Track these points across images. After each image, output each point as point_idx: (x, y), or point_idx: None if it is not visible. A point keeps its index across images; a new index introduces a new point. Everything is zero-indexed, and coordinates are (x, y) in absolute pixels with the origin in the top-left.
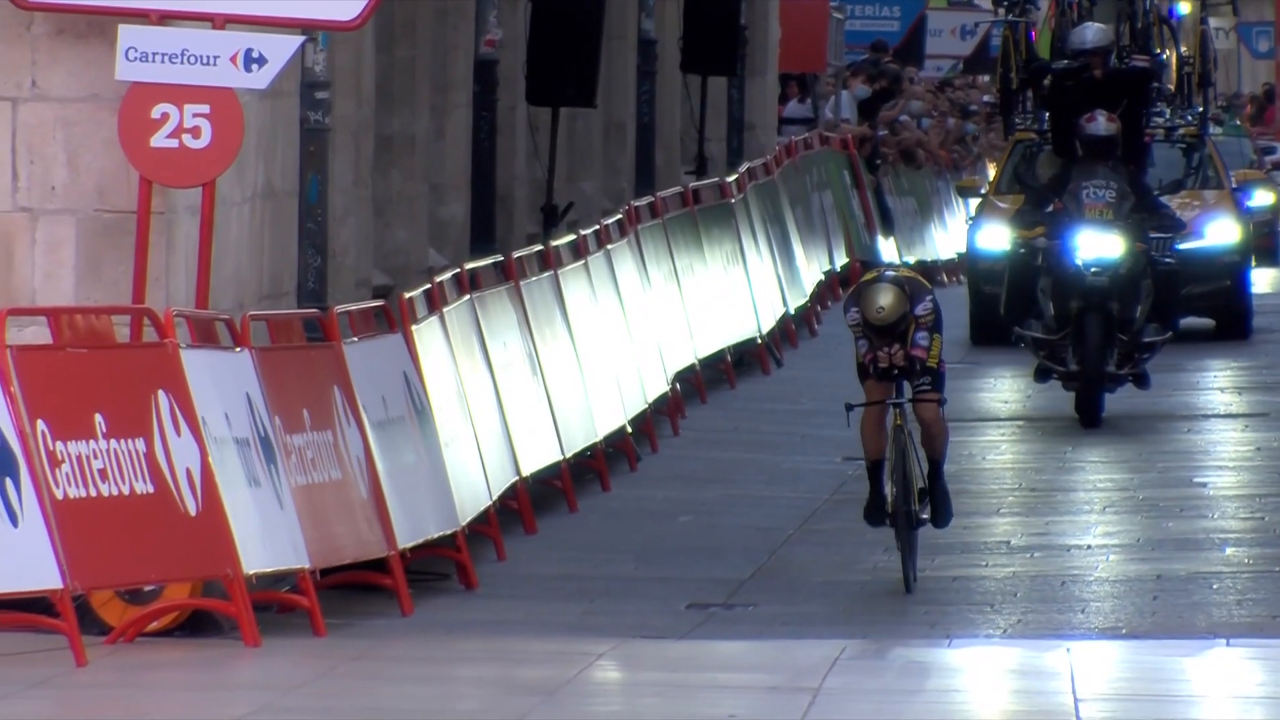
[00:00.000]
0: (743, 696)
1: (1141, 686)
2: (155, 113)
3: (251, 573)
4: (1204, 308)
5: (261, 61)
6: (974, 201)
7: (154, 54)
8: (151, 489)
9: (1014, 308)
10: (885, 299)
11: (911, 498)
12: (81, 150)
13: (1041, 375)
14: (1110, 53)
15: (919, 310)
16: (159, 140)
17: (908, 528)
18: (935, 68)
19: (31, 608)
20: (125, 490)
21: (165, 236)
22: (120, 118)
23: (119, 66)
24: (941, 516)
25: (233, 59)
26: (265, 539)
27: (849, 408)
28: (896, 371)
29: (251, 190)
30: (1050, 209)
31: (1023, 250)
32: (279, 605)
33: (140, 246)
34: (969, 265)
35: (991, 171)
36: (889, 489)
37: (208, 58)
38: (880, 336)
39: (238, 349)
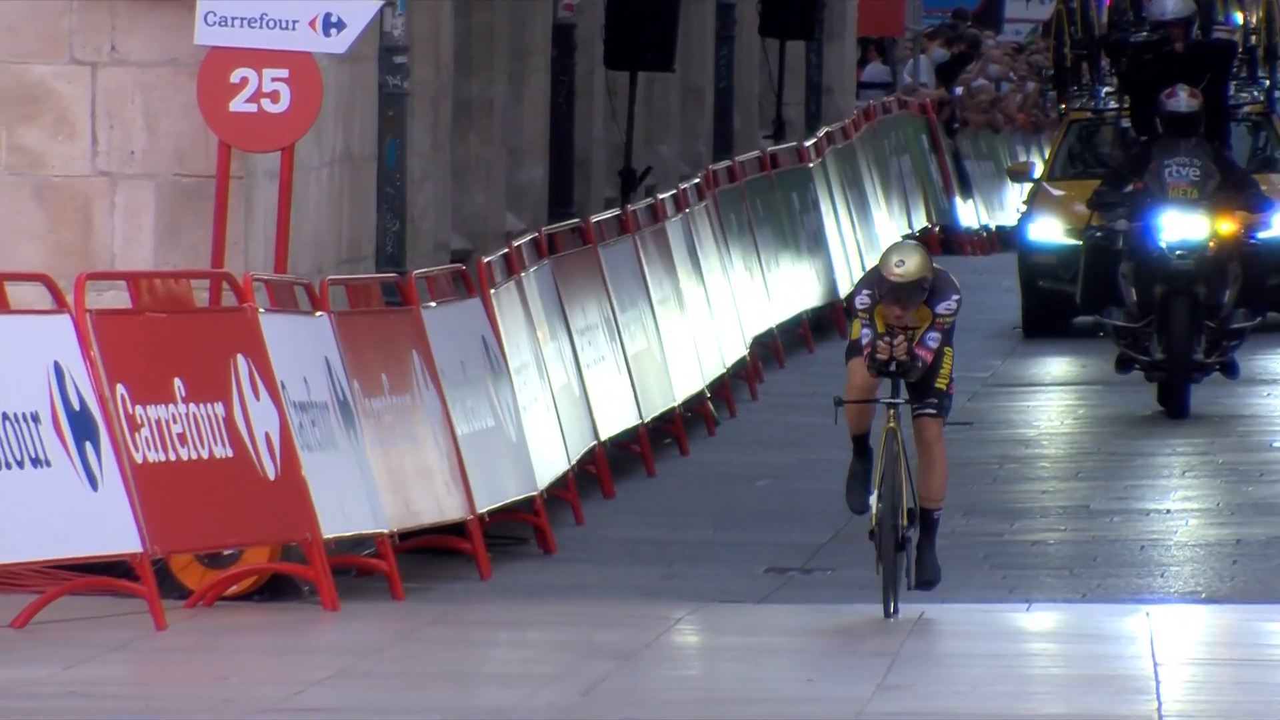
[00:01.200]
0: (821, 661)
1: (1221, 651)
2: (234, 77)
3: (330, 537)
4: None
5: (340, 26)
6: (1025, 188)
7: (233, 18)
8: (230, 453)
9: (1092, 295)
10: (909, 255)
11: (899, 513)
12: (161, 115)
13: (1123, 366)
14: (1191, 24)
15: (940, 307)
16: (238, 105)
17: (893, 548)
18: (1014, 31)
19: (112, 572)
20: (204, 454)
21: (244, 201)
22: (199, 82)
23: (198, 31)
24: (927, 576)
25: (311, 23)
26: (344, 503)
27: (839, 403)
28: (894, 368)
29: (330, 155)
30: (1130, 189)
31: (1100, 234)
32: (357, 569)
33: (219, 211)
34: (1020, 258)
35: None
36: (874, 500)
37: (287, 22)
38: (893, 304)
39: (316, 313)
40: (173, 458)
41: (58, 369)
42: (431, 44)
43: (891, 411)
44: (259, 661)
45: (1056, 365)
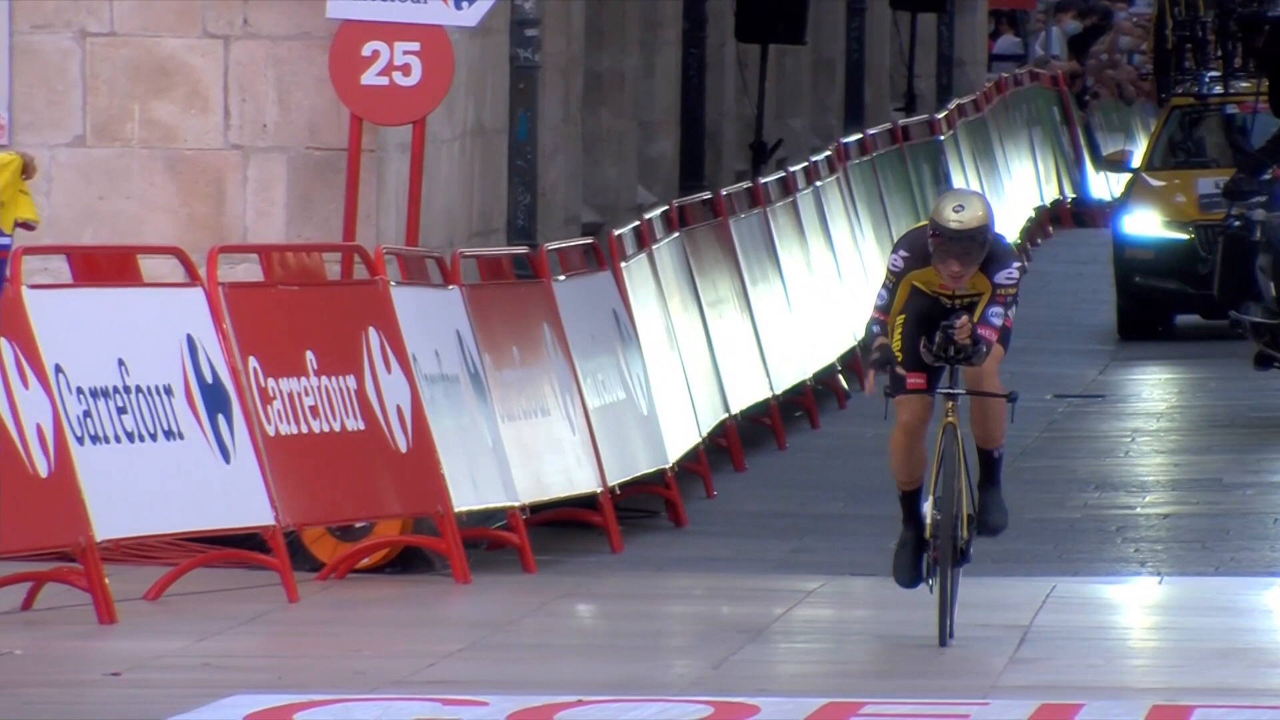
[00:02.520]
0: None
1: None
2: (366, 50)
3: (462, 510)
4: None
5: None
6: (1123, 178)
7: None
8: (362, 426)
9: (1229, 289)
10: (969, 201)
11: (959, 523)
12: (293, 88)
13: (1262, 363)
14: None
15: (1000, 276)
16: (369, 78)
17: (950, 562)
18: (1146, 3)
19: (244, 544)
20: (336, 427)
21: (375, 174)
22: (331, 56)
23: (330, 4)
24: (994, 520)
25: None
26: (475, 476)
27: (889, 394)
28: (954, 352)
29: (461, 128)
30: (1268, 176)
31: (1238, 224)
32: (489, 542)
33: (351, 184)
34: (1115, 253)
35: None
36: (928, 511)
37: None
38: (951, 259)
39: (448, 286)
40: (304, 430)
41: (190, 342)
42: (562, 16)
43: (950, 404)
44: (390, 634)
45: (1189, 343)
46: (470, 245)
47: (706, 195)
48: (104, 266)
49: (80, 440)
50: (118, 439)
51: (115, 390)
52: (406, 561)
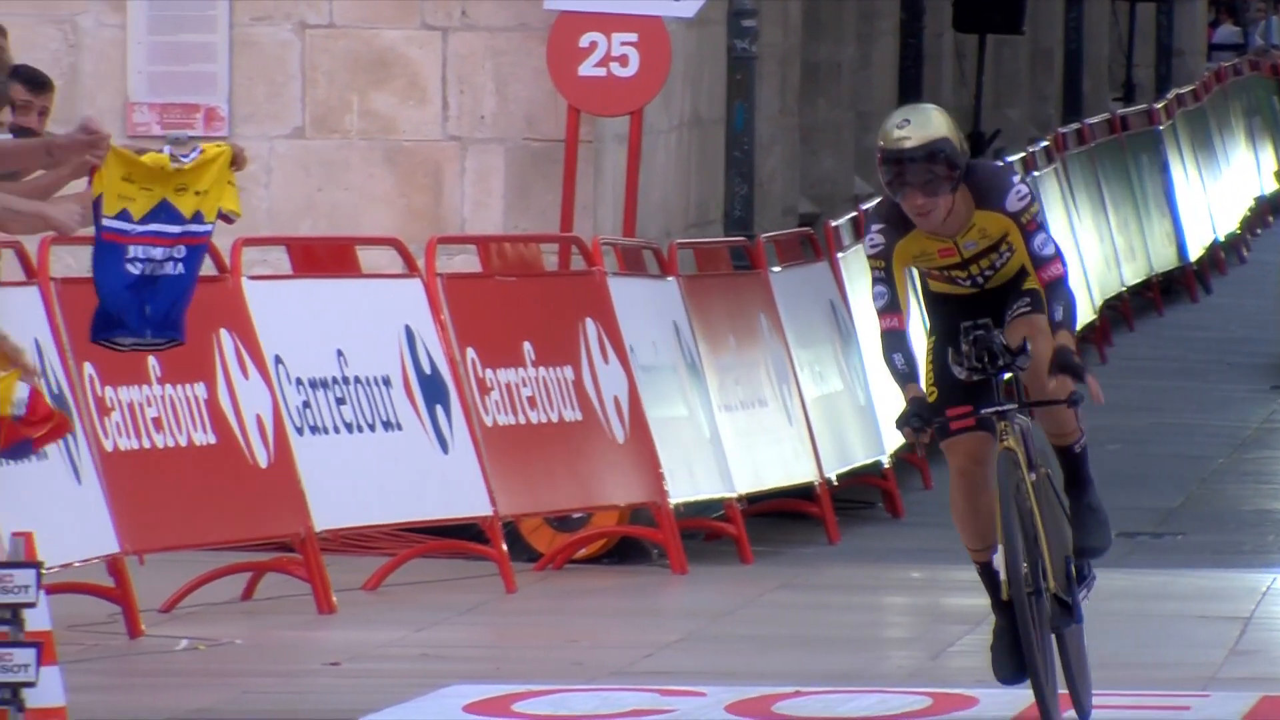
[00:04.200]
0: (1171, 626)
1: None
2: (583, 41)
3: (679, 500)
4: None
5: None
6: None
7: None
8: (579, 416)
9: None
10: (913, 114)
11: (1041, 572)
12: (510, 79)
13: None
14: None
15: (1009, 201)
16: (587, 69)
17: (1034, 623)
18: None
19: (461, 535)
20: (554, 418)
21: (593, 165)
22: (549, 47)
23: None
24: (1090, 541)
25: None
26: (692, 466)
27: (917, 427)
28: (995, 365)
29: (678, 118)
30: None
31: None
32: (706, 533)
33: (568, 175)
34: None
35: None
36: (998, 560)
37: None
38: (909, 190)
39: (665, 277)
40: (522, 421)
41: (409, 333)
42: (780, 7)
43: (1004, 425)
44: (608, 624)
45: None
46: (687, 236)
47: None
48: (323, 257)
49: (300, 431)
50: (336, 430)
51: (334, 381)
52: (623, 552)
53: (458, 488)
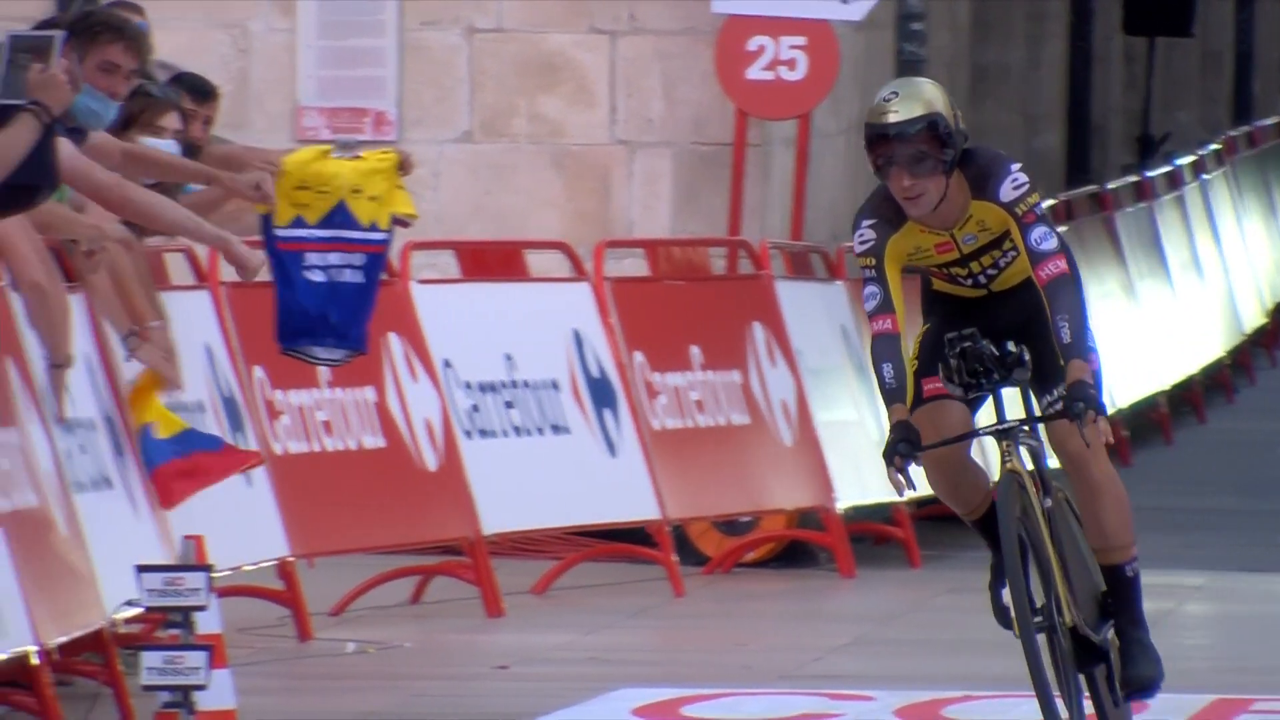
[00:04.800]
0: None
1: None
2: (751, 45)
3: (847, 504)
4: None
5: None
6: None
7: None
8: (747, 420)
9: None
10: (902, 86)
11: (1059, 605)
12: (678, 83)
13: None
14: None
15: (1004, 190)
16: (755, 73)
17: (1076, 663)
18: None
19: (629, 538)
20: (721, 421)
21: (761, 168)
22: (717, 50)
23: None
24: (1141, 672)
25: None
26: (860, 470)
27: (904, 456)
28: (989, 370)
29: (846, 122)
30: None
31: None
32: (874, 537)
33: (736, 179)
34: None
35: None
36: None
37: None
38: (896, 168)
39: (832, 280)
40: (689, 424)
41: (577, 336)
42: (948, 10)
43: (1006, 445)
44: (776, 628)
45: None
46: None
47: (1093, 189)
48: (491, 261)
49: (468, 434)
50: (505, 433)
51: (503, 385)
52: (791, 556)
53: (625, 491)
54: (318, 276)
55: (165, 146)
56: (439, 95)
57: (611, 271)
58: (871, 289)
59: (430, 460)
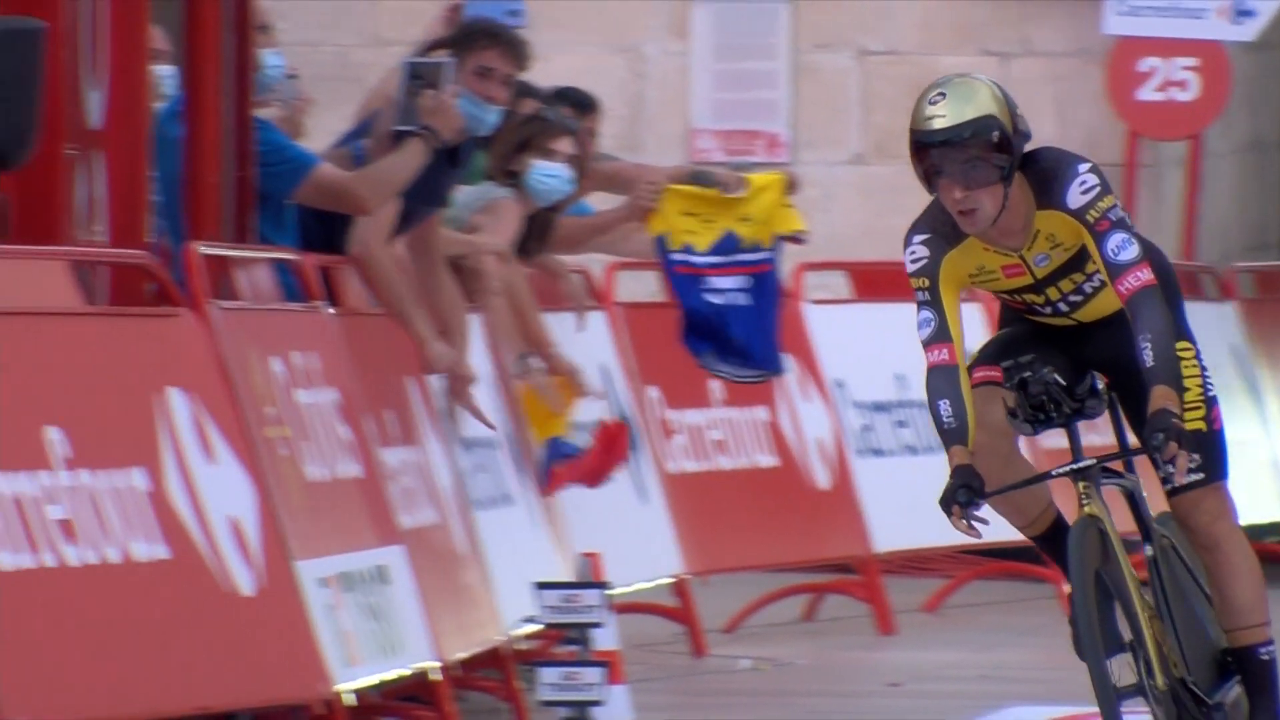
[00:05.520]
0: None
1: None
2: (1142, 66)
3: (1245, 523)
4: None
5: (1250, 14)
6: None
7: (1142, 8)
8: None
9: None
10: (951, 88)
11: (1145, 664)
12: (1070, 104)
13: None
14: None
15: (1073, 196)
16: (1146, 93)
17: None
18: None
19: (1019, 556)
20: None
21: (1152, 189)
22: (1108, 71)
23: (1108, 21)
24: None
25: (1220, 11)
26: (1254, 488)
27: (966, 501)
28: (1061, 410)
29: (1237, 142)
30: None
31: None
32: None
33: (1127, 199)
34: None
35: None
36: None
37: (1195, 10)
38: (947, 182)
39: (1224, 300)
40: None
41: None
42: None
43: (1084, 485)
44: None
45: None
46: (1244, 260)
47: None
48: (883, 282)
49: (860, 453)
50: (896, 452)
51: (894, 404)
52: None
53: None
54: (715, 299)
55: (557, 170)
56: (830, 117)
57: None
58: (925, 314)
59: (822, 479)
